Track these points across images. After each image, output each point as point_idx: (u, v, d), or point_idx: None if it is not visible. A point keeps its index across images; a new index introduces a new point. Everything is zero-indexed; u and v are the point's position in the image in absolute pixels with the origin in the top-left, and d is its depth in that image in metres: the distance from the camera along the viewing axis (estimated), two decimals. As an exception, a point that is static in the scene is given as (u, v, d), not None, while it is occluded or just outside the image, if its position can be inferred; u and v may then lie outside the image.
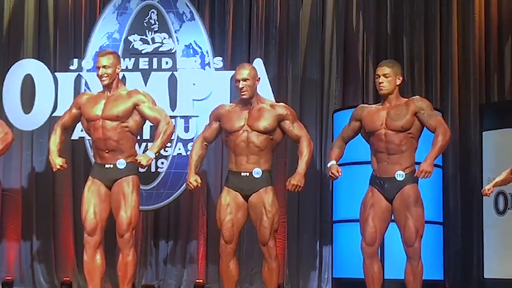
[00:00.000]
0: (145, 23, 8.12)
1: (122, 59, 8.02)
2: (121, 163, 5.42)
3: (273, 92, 7.65)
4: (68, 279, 7.92)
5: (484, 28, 7.95)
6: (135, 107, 5.47)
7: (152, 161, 5.48)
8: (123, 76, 7.71)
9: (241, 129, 5.39)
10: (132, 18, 8.14)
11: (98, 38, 8.15)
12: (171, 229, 8.15)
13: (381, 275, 5.35)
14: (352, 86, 8.05)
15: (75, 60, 8.11)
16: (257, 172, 5.35)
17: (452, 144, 7.74)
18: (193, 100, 7.89)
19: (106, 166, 5.45)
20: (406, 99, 5.39)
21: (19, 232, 8.24)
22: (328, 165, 5.42)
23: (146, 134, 7.68)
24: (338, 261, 7.21)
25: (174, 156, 7.87)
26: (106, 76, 5.46)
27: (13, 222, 8.24)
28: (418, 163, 5.19)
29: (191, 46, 8.03)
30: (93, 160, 7.90)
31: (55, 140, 5.56)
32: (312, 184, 7.87)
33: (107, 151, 5.43)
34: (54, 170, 5.53)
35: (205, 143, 5.60)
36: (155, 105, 5.56)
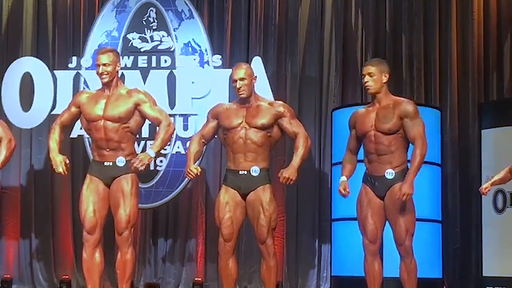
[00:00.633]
0: (144, 21, 8.12)
1: (121, 57, 8.07)
2: (121, 161, 5.42)
3: (272, 90, 7.65)
4: (67, 277, 7.91)
5: (483, 27, 7.94)
6: (136, 107, 5.47)
7: (152, 160, 5.48)
8: (122, 74, 7.71)
9: (239, 126, 5.41)
10: (131, 16, 8.14)
11: (97, 36, 8.15)
12: (170, 227, 8.15)
13: (381, 274, 5.36)
14: (351, 84, 8.04)
15: (74, 58, 8.11)
16: (255, 171, 5.36)
17: (451, 142, 7.76)
18: (192, 98, 7.89)
19: (106, 163, 5.44)
20: (396, 99, 5.37)
21: (18, 230, 8.24)
22: (339, 180, 5.45)
23: (145, 133, 7.67)
24: (337, 259, 7.21)
25: (173, 154, 7.87)
26: (106, 74, 5.46)
27: (12, 220, 8.24)
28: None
29: (190, 44, 8.03)
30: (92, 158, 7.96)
31: (54, 138, 5.54)
32: (311, 182, 7.88)
33: (108, 150, 5.43)
34: (56, 171, 5.44)
35: (202, 140, 5.61)
36: (156, 105, 5.55)
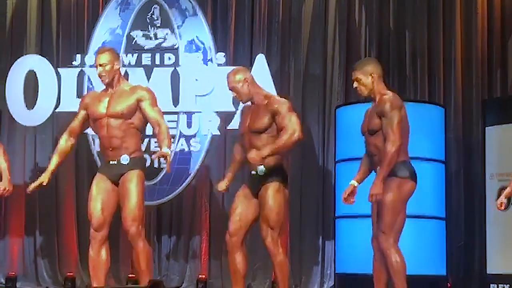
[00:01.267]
0: (147, 19, 8.13)
1: (124, 55, 8.08)
2: (125, 159, 5.42)
3: (275, 88, 7.65)
4: (72, 274, 7.93)
5: (487, 23, 7.92)
6: (138, 103, 5.47)
7: (171, 156, 5.45)
8: (126, 72, 7.72)
9: (247, 129, 5.42)
10: (134, 13, 8.15)
11: (100, 34, 8.17)
12: (174, 224, 8.16)
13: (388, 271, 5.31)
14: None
15: (78, 56, 8.12)
16: (260, 170, 5.32)
17: (455, 140, 7.74)
18: (196, 95, 7.90)
19: (111, 162, 5.45)
20: (382, 95, 5.05)
21: (23, 227, 8.26)
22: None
23: (148, 130, 7.65)
24: (341, 256, 7.20)
25: (177, 152, 7.87)
26: (105, 75, 5.45)
27: (16, 218, 8.26)
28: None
29: (193, 42, 8.04)
30: (96, 156, 7.98)
31: (58, 151, 5.51)
32: (315, 180, 7.88)
33: (111, 149, 5.43)
34: (37, 181, 5.47)
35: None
36: (156, 105, 5.52)
